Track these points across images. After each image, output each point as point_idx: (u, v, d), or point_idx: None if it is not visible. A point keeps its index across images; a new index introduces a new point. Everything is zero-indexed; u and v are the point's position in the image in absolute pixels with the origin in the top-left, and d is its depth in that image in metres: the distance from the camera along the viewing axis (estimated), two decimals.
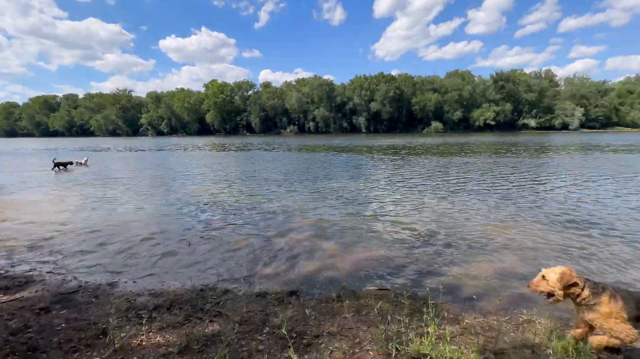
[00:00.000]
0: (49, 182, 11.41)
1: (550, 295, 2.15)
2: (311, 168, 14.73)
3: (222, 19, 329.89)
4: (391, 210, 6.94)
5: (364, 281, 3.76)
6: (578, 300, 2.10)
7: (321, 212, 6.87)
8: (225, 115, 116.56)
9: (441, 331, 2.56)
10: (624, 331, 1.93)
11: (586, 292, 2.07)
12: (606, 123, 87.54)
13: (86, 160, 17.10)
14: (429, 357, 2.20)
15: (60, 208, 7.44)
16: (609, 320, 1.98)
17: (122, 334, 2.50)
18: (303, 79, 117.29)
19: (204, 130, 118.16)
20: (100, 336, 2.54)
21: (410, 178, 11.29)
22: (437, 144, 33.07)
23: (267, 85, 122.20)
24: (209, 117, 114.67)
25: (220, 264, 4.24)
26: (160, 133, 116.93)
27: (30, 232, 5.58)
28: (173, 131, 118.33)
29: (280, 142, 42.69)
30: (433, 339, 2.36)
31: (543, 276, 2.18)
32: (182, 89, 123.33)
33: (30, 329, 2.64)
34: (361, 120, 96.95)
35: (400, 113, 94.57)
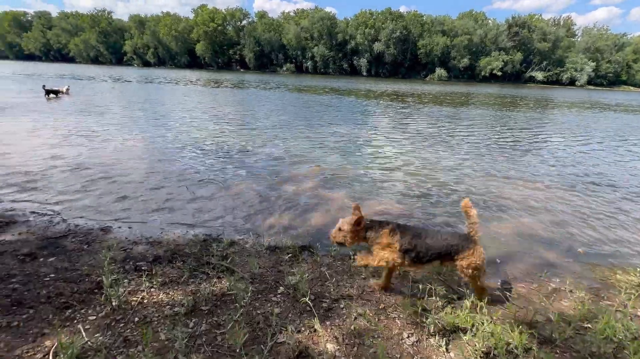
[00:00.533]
0: (34, 111, 10.43)
1: (342, 244, 2.31)
2: (314, 111, 13.85)
3: None
4: (402, 162, 6.55)
5: None
6: (367, 240, 2.30)
7: (328, 160, 6.44)
8: (217, 48, 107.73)
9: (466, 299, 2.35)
10: (386, 256, 2.21)
11: (370, 233, 2.27)
12: (614, 81, 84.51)
13: (67, 89, 15.68)
14: (467, 331, 2.00)
15: (45, 140, 6.80)
16: (384, 249, 2.22)
17: (121, 290, 2.22)
18: (303, 11, 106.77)
19: (194, 63, 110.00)
20: (95, 291, 2.26)
21: (420, 129, 10.71)
22: (443, 93, 31.53)
23: (262, 15, 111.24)
24: (199, 48, 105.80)
25: (223, 212, 3.91)
26: (146, 64, 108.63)
27: (11, 165, 5.07)
28: (161, 62, 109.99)
29: (278, 81, 40.13)
30: (467, 309, 2.15)
31: (339, 228, 2.30)
32: (168, 14, 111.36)
33: (14, 279, 2.34)
34: (363, 62, 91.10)
35: (404, 56, 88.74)
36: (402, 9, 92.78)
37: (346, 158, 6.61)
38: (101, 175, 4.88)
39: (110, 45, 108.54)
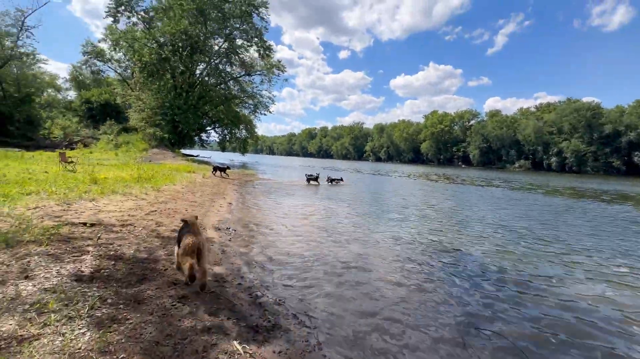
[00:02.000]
0: (315, 195, 13.46)
1: None
2: (604, 227, 9.33)
3: (450, 51, 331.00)
4: None
5: None
6: None
7: None
8: (442, 145, 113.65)
9: None
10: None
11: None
12: None
13: (331, 178, 19.95)
14: None
15: (309, 227, 7.86)
16: None
17: None
18: (548, 104, 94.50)
19: (417, 158, 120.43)
20: None
21: None
22: None
23: (494, 114, 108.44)
24: (424, 147, 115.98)
25: None
26: (378, 159, 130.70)
27: (283, 247, 5.73)
28: (389, 158, 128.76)
29: (519, 180, 34.37)
30: None
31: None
32: (403, 121, 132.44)
33: None
34: None
35: None
36: None
37: None
38: (354, 280, 4.36)
39: (357, 146, 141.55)
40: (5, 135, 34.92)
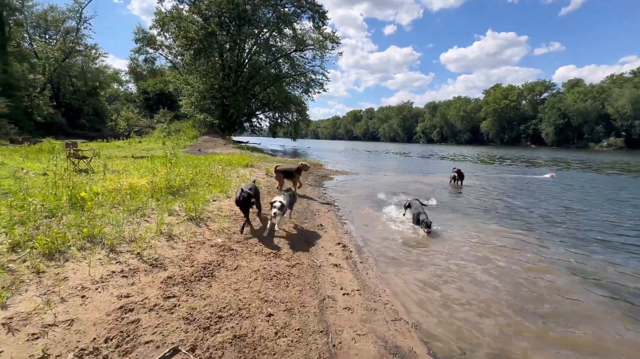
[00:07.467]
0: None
1: None
2: None
3: (514, 15, 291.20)
4: None
5: None
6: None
7: None
8: (505, 124, 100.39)
9: None
10: None
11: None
12: None
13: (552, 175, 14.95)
14: None
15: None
16: None
17: None
18: None
19: (475, 139, 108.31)
20: None
21: None
22: None
23: (575, 83, 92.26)
24: (484, 126, 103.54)
25: None
26: (430, 141, 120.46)
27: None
28: (443, 139, 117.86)
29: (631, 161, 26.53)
30: None
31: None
32: (459, 97, 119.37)
33: None
34: None
35: None
36: None
37: None
38: None
39: (406, 127, 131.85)
40: (78, 128, 36.10)
